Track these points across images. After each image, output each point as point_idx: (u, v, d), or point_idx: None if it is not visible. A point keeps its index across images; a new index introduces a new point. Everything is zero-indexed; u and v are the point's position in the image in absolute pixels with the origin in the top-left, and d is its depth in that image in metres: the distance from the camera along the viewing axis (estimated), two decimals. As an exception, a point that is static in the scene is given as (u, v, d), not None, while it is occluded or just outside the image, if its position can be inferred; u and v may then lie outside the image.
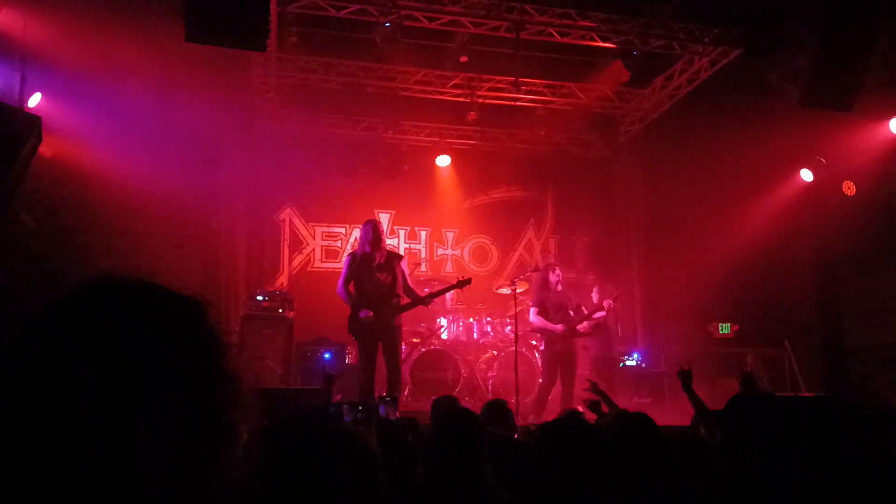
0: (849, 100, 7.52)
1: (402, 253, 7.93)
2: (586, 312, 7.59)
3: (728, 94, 8.87)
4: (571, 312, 7.50)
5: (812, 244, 9.82)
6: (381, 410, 3.93)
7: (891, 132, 8.45)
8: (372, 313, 6.42)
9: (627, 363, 8.87)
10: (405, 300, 6.58)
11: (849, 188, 9.18)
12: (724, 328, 9.59)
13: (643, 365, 9.01)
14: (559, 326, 7.34)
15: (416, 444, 3.25)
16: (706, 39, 8.03)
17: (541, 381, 7.73)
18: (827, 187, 9.47)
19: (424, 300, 6.61)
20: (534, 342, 9.07)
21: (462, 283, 6.85)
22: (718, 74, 8.62)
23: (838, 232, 9.30)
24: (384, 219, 10.53)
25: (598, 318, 7.67)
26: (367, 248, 6.57)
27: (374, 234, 6.58)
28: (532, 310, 7.61)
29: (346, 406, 3.57)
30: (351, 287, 6.56)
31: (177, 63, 7.33)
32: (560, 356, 7.39)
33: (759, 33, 7.74)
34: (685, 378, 4.02)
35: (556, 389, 7.53)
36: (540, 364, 8.79)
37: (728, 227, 9.68)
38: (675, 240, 10.00)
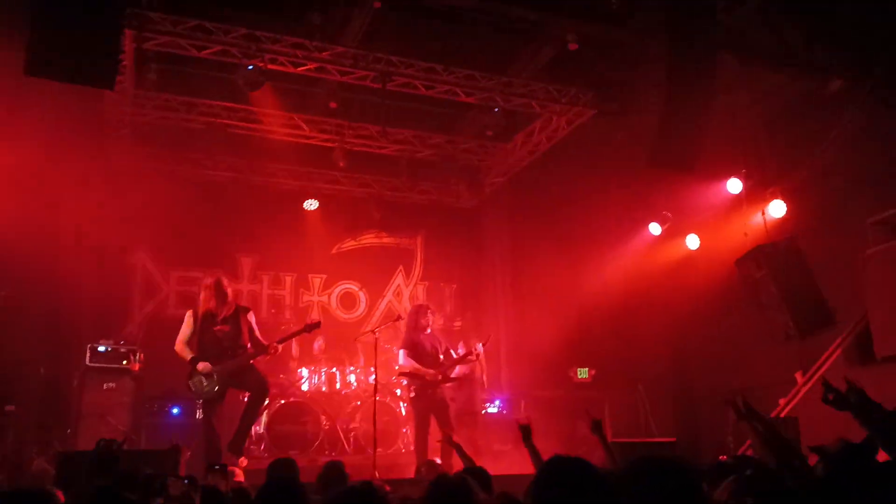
0: (689, 162, 8.10)
1: (249, 305, 7.58)
2: (456, 357, 7.44)
3: (586, 151, 9.37)
4: (441, 356, 7.32)
5: (661, 294, 10.42)
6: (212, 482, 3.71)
7: (728, 192, 9.15)
8: (210, 366, 6.26)
9: (489, 410, 8.96)
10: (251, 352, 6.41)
11: (693, 242, 9.85)
12: (583, 373, 9.92)
13: (504, 412, 9.13)
14: (432, 371, 7.12)
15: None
16: (563, 100, 8.45)
17: (414, 432, 7.43)
18: (673, 240, 10.11)
19: (266, 349, 6.44)
20: (398, 391, 8.99)
21: (310, 327, 6.74)
22: (576, 132, 9.08)
23: (684, 282, 9.93)
24: (247, 263, 10.21)
25: (469, 361, 7.64)
26: (210, 305, 6.49)
27: (216, 291, 6.50)
28: (401, 352, 7.36)
29: (170, 479, 3.34)
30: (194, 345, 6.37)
31: (16, 93, 6.83)
32: (433, 402, 7.16)
33: (611, 97, 8.27)
34: (525, 432, 4.04)
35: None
36: (404, 413, 8.74)
37: (586, 276, 10.12)
38: (538, 287, 10.33)
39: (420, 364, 7.17)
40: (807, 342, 8.33)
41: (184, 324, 6.49)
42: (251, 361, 6.58)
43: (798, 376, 8.35)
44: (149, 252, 9.71)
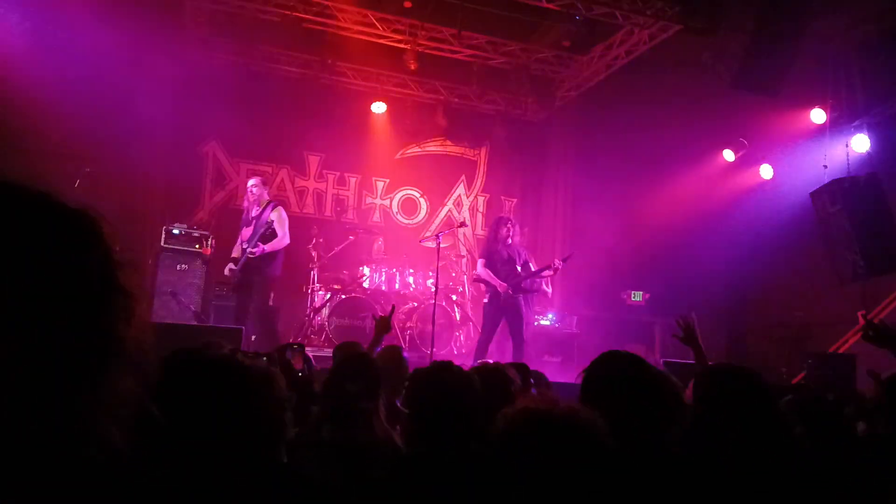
0: (776, 86, 7.78)
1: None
2: (534, 269, 7.54)
3: (663, 70, 9.04)
4: (519, 268, 7.37)
5: (727, 222, 10.22)
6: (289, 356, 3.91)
7: (811, 121, 8.79)
8: (230, 267, 6.90)
9: (542, 322, 9.10)
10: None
11: (766, 171, 9.56)
12: (637, 296, 9.92)
13: (556, 325, 9.25)
14: (503, 284, 7.22)
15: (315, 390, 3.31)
16: (648, 12, 8.10)
17: (479, 334, 7.68)
18: (747, 169, 9.83)
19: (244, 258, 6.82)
20: (454, 297, 9.19)
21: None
22: (656, 49, 8.74)
23: (752, 213, 9.71)
24: (313, 161, 10.34)
25: (546, 276, 7.72)
26: (244, 205, 7.12)
27: (247, 192, 7.09)
28: (480, 261, 7.53)
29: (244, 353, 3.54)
30: None
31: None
32: (503, 310, 7.29)
33: (699, 13, 7.89)
34: (688, 331, 3.96)
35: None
36: (458, 318, 8.97)
37: (650, 198, 9.97)
38: (599, 206, 10.23)
39: (495, 274, 7.28)
40: (872, 283, 8.15)
41: None
42: (262, 264, 6.86)
43: (860, 316, 8.20)
44: (220, 143, 9.90)
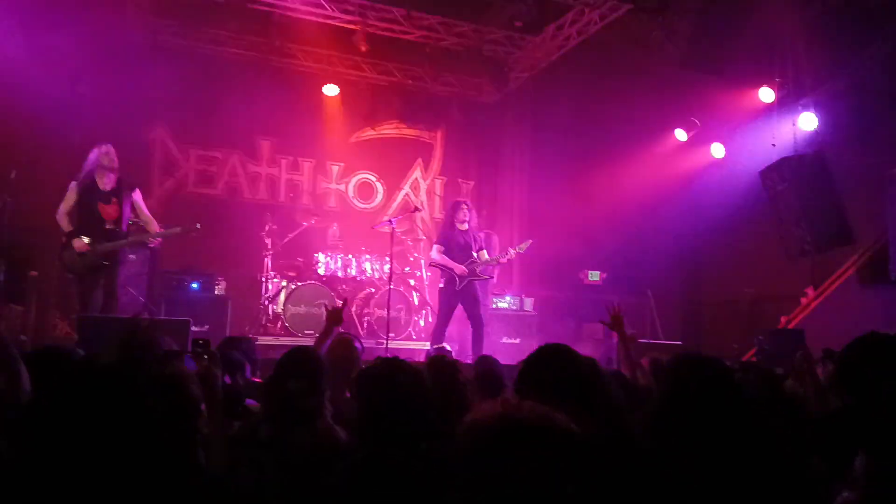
0: (723, 65, 7.87)
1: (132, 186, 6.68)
2: (489, 256, 7.44)
3: (615, 50, 9.07)
4: (475, 253, 7.25)
5: (680, 201, 10.35)
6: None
7: (760, 100, 8.91)
8: (86, 245, 5.95)
9: (500, 304, 9.11)
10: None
11: (718, 150, 9.68)
12: (594, 275, 10.00)
13: (514, 307, 9.27)
14: (461, 267, 7.11)
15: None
16: (598, -8, 8.10)
17: (435, 319, 7.58)
18: (698, 147, 9.95)
19: (134, 241, 6.28)
20: (412, 282, 9.15)
21: (186, 230, 6.33)
22: (607, 29, 8.74)
23: (704, 191, 9.84)
24: (265, 146, 10.14)
25: (502, 262, 7.66)
26: (91, 176, 6.10)
27: (97, 160, 6.10)
28: (435, 246, 7.36)
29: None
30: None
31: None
32: (458, 296, 7.18)
33: (649, -8, 7.93)
34: (616, 322, 4.10)
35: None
36: (416, 303, 8.93)
37: (605, 179, 10.03)
38: (555, 187, 10.26)
39: (451, 259, 7.15)
40: (820, 259, 8.35)
41: (68, 192, 6.10)
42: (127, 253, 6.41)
43: (809, 291, 8.40)
44: (168, 129, 9.63)
